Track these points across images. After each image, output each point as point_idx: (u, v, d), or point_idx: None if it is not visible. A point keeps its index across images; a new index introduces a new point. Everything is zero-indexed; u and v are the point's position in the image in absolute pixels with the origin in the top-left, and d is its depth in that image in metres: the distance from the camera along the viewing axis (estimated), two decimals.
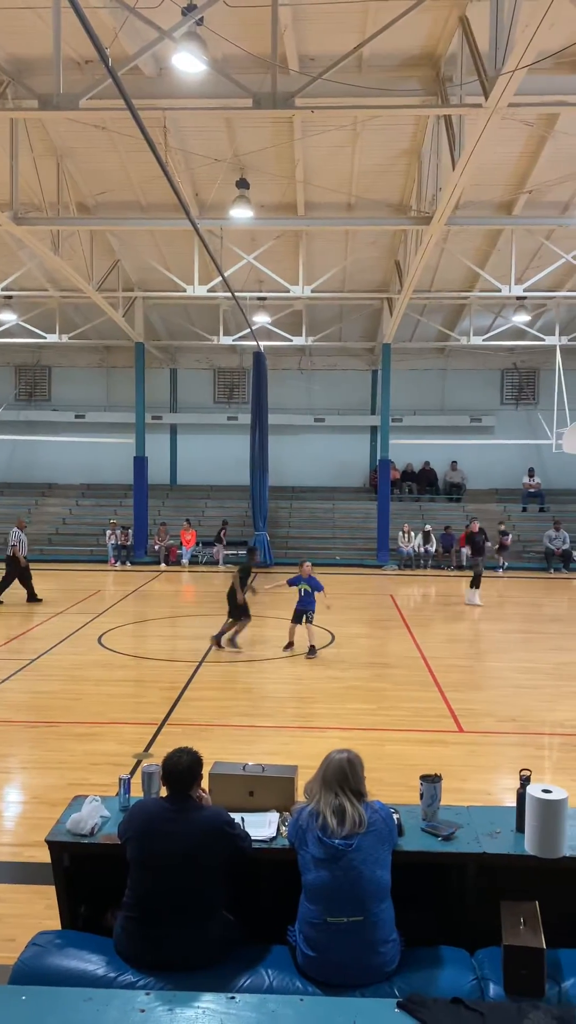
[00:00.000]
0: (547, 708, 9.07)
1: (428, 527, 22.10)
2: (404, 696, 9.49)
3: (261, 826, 3.74)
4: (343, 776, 3.38)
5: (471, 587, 15.94)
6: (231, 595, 11.66)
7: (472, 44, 8.89)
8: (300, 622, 11.49)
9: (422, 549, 21.73)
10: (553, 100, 9.86)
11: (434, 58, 10.54)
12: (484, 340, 21.23)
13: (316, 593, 11.48)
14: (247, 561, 12.49)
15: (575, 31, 8.68)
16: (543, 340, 21.04)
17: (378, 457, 22.83)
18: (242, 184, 13.57)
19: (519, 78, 7.50)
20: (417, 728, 8.27)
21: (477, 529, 16.43)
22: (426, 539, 21.81)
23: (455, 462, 25.38)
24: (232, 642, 11.74)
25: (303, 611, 11.47)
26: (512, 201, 14.63)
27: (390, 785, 6.09)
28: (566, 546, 21.32)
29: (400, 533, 21.87)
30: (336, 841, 3.25)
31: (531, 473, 24.74)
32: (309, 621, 11.42)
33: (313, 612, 11.50)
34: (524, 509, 24.34)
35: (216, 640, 11.64)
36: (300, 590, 11.51)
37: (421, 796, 3.91)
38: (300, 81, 9.44)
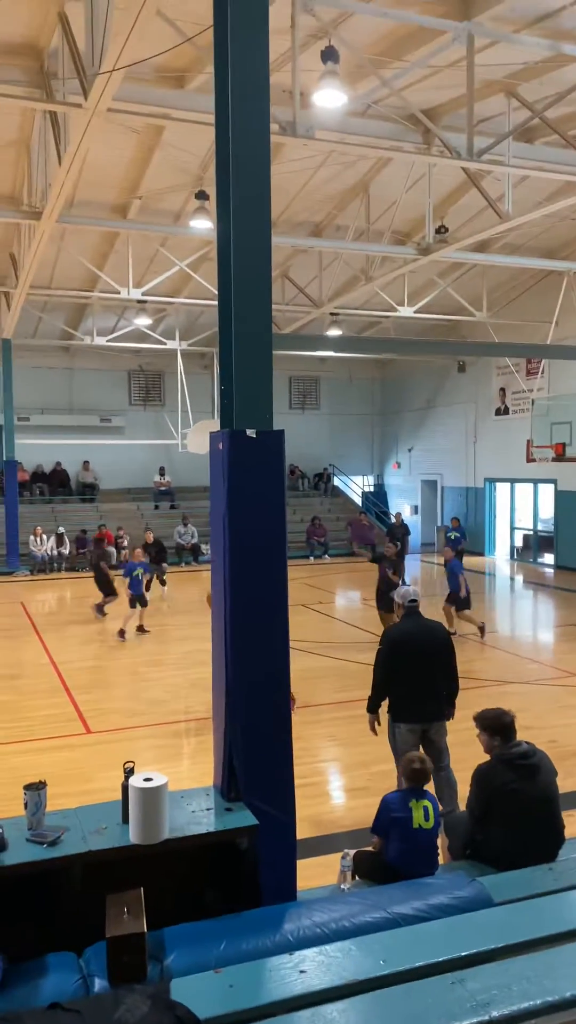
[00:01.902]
0: (173, 698, 9.42)
1: (61, 529, 21.67)
2: (31, 705, 9.20)
3: None
4: None
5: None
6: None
7: (72, 42, 8.85)
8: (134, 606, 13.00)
9: (55, 552, 21.25)
10: (157, 112, 10.20)
11: (38, 50, 10.28)
12: (108, 340, 21.32)
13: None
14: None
15: (168, 44, 9.04)
16: (165, 344, 21.74)
17: (3, 458, 21.80)
18: None
19: (116, 83, 7.63)
20: (44, 736, 8.08)
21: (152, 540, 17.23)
22: (59, 541, 21.36)
23: (87, 462, 25.19)
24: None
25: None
26: (126, 205, 14.87)
27: (8, 799, 5.86)
28: (195, 540, 22.30)
29: (32, 536, 21.15)
30: None
31: (161, 472, 25.48)
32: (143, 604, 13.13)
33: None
34: (156, 507, 24.99)
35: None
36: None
37: (25, 806, 3.81)
38: None
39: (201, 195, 13.57)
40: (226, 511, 4.08)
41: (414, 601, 6.04)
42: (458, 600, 12.37)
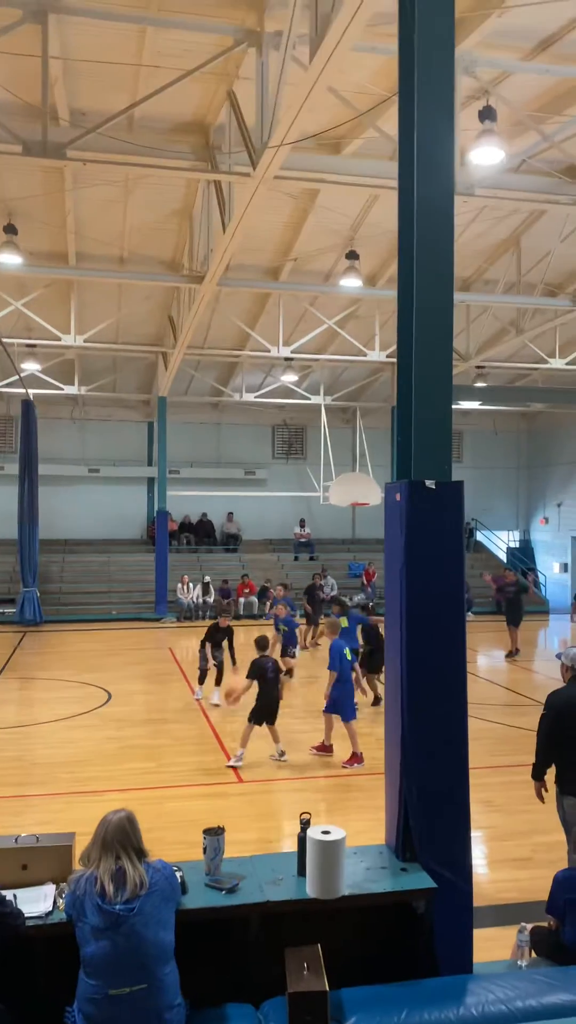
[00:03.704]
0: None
1: (207, 578, 22.25)
2: (183, 751, 9.37)
3: (36, 901, 3.49)
4: (123, 836, 3.26)
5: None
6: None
7: (239, 117, 9.36)
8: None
9: (200, 600, 21.79)
10: (315, 176, 10.63)
11: (204, 126, 10.96)
12: (255, 397, 22.00)
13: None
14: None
15: (334, 115, 9.43)
16: (309, 399, 22.20)
17: (156, 508, 22.73)
18: (9, 229, 13.20)
19: (283, 154, 7.99)
20: (197, 783, 8.18)
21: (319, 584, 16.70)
22: (205, 590, 21.91)
23: (231, 513, 25.86)
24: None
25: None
26: (279, 267, 15.44)
27: (171, 844, 5.96)
28: (334, 591, 22.27)
29: (179, 584, 21.82)
30: (116, 907, 3.11)
31: (302, 524, 25.79)
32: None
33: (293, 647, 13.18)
34: (296, 558, 25.25)
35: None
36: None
37: (204, 850, 3.85)
38: (71, 133, 9.41)
39: (352, 255, 13.91)
40: (403, 564, 4.06)
41: None
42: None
